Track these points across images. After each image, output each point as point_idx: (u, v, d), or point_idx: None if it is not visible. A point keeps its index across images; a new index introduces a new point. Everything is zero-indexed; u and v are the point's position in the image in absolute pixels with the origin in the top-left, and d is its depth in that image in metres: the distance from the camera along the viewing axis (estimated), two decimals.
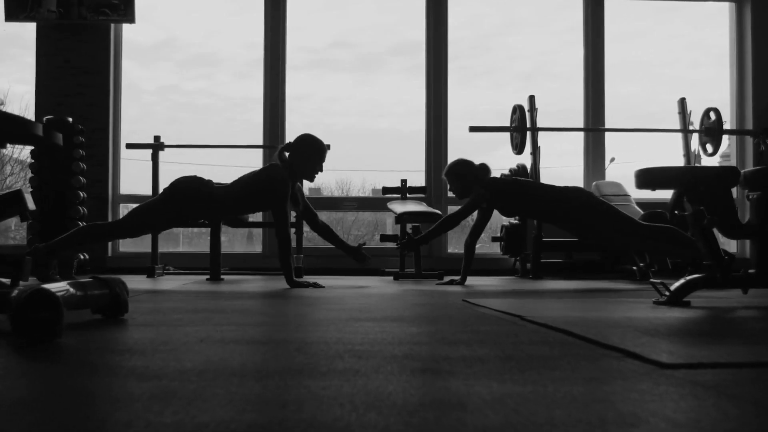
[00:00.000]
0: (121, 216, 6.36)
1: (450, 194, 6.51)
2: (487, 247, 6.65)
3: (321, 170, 4.07)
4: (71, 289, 1.81)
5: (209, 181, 4.01)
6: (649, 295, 3.13)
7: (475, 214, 4.34)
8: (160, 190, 5.60)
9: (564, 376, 1.11)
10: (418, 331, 1.74)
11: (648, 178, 2.59)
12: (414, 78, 6.68)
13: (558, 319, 1.97)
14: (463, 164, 4.34)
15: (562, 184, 4.26)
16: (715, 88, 6.02)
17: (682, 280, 2.64)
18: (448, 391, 0.99)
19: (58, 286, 1.77)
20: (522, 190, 4.24)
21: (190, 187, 3.96)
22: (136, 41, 7.07)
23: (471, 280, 4.34)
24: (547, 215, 4.26)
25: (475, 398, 0.94)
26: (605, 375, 1.12)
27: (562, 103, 6.80)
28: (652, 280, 2.74)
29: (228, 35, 7.26)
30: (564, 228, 4.28)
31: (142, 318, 2.02)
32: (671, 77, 7.31)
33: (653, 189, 2.64)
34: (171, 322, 1.89)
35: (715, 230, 2.66)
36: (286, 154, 4.02)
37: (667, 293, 2.62)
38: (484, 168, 4.30)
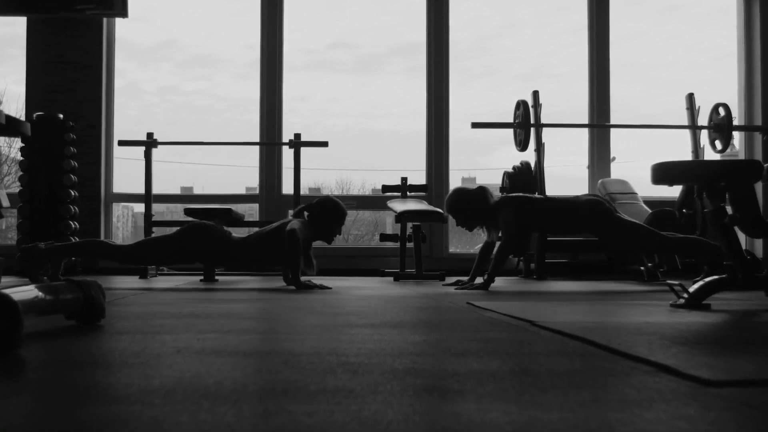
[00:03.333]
0: (113, 219, 6.21)
1: None
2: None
3: (340, 233, 4.10)
4: (40, 293, 1.65)
5: (227, 234, 3.97)
6: (663, 296, 2.97)
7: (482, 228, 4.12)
8: (154, 189, 5.49)
9: (594, 398, 0.94)
10: (421, 339, 1.57)
11: (665, 172, 2.42)
12: (414, 79, 6.56)
13: (572, 324, 1.81)
14: (461, 195, 3.94)
15: (574, 195, 4.08)
16: (716, 89, 5.88)
17: (700, 282, 2.48)
18: (459, 418, 0.83)
19: (25, 291, 1.61)
20: (537, 205, 4.01)
21: (206, 236, 3.90)
22: (136, 42, 6.94)
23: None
24: (564, 228, 4.11)
25: (492, 429, 0.77)
26: (641, 396, 0.96)
27: (561, 104, 6.69)
28: (669, 281, 2.57)
29: (228, 37, 7.14)
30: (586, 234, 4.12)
31: (119, 324, 1.85)
32: (669, 79, 7.19)
33: (670, 184, 2.48)
34: (150, 329, 1.72)
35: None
36: (306, 214, 4.01)
37: (686, 295, 2.45)
38: (482, 190, 3.93)
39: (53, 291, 1.71)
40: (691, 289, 2.45)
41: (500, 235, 3.94)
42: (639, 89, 6.85)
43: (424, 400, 0.93)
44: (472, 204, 3.92)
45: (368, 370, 1.14)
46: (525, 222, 3.90)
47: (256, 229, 6.23)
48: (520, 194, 4.18)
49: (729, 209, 2.48)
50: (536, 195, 4.29)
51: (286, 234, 3.75)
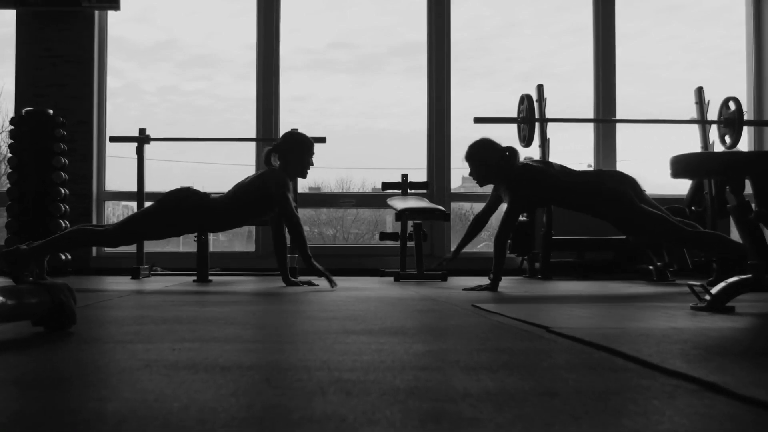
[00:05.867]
0: (106, 217, 6.04)
1: (453, 191, 6.19)
2: (491, 245, 6.32)
3: (312, 164, 4.01)
4: (1, 298, 1.49)
5: (206, 195, 3.90)
6: (680, 298, 2.80)
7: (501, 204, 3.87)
8: (154, 188, 5.32)
9: (639, 429, 0.77)
10: (425, 349, 1.40)
11: (686, 165, 2.25)
12: (414, 79, 6.48)
13: (592, 331, 1.64)
14: (488, 147, 3.67)
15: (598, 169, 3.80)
16: (717, 88, 5.72)
17: (723, 283, 2.31)
18: None
19: None
20: (556, 182, 3.64)
21: (183, 197, 3.83)
22: (136, 42, 6.86)
23: (476, 281, 3.99)
24: (584, 209, 3.76)
25: None
26: (694, 425, 0.79)
27: (561, 104, 6.57)
28: (689, 282, 2.40)
29: (228, 37, 7.07)
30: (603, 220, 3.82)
31: (92, 331, 1.68)
32: (670, 79, 7.07)
33: (691, 178, 2.32)
34: (123, 337, 1.55)
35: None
36: (274, 156, 3.94)
37: (707, 297, 2.28)
38: (512, 153, 3.65)
39: (16, 295, 1.54)
40: (714, 291, 2.28)
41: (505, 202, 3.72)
42: (639, 89, 6.74)
43: (431, 431, 0.76)
44: (495, 162, 3.64)
45: (364, 389, 0.97)
46: (541, 202, 3.76)
47: (258, 228, 6.09)
48: (543, 168, 3.70)
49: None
50: (560, 169, 3.79)
51: (289, 224, 3.80)
